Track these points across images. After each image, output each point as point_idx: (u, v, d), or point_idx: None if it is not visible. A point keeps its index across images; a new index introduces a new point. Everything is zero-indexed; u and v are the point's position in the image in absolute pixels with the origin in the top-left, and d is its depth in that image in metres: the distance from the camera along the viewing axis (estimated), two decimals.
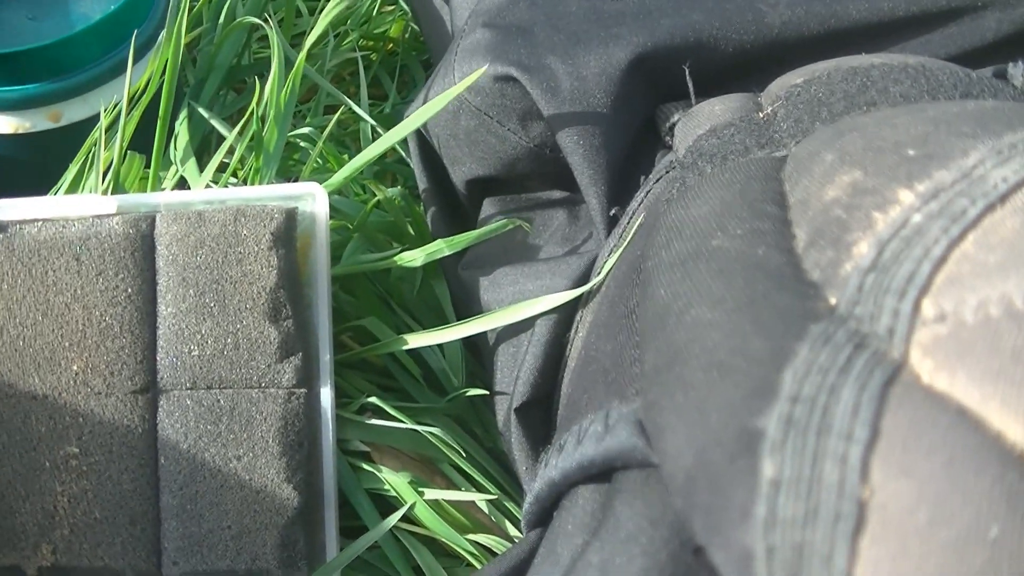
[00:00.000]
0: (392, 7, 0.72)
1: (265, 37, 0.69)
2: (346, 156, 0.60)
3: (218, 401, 0.47)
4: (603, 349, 0.38)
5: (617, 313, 0.38)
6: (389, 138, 0.50)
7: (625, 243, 0.43)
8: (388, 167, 0.63)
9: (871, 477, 0.23)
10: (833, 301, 0.28)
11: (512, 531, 0.49)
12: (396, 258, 0.50)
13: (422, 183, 0.54)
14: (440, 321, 0.53)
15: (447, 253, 0.49)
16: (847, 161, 0.32)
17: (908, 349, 0.25)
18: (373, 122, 0.60)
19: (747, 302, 0.28)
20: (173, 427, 0.47)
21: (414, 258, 0.49)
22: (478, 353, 0.52)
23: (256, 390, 0.47)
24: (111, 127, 0.53)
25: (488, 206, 0.53)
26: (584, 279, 0.46)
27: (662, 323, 0.30)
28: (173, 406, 0.47)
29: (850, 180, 0.31)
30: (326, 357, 0.49)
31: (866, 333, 0.26)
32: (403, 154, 0.61)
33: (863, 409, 0.24)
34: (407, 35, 0.72)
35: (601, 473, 0.33)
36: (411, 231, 0.55)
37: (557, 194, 0.51)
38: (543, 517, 0.37)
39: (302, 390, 0.47)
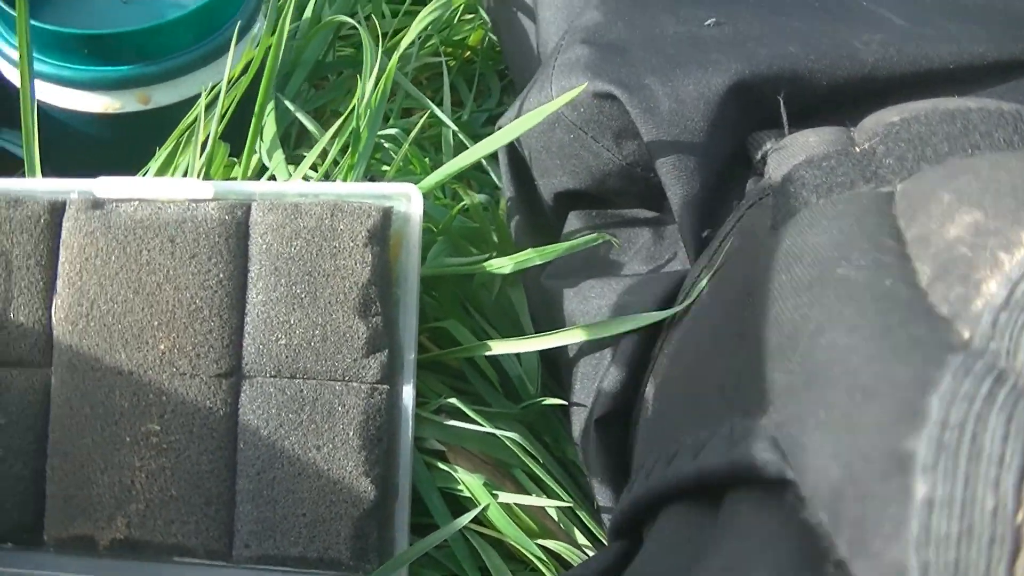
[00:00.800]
0: (472, 15, 0.73)
1: (345, 36, 0.70)
2: (427, 159, 0.61)
3: (301, 391, 0.48)
4: (715, 366, 0.38)
5: (725, 333, 0.39)
6: (485, 146, 0.51)
7: (716, 266, 0.44)
8: (465, 173, 0.64)
9: None
10: (966, 335, 0.28)
11: (581, 539, 0.49)
12: (485, 264, 0.51)
13: (509, 192, 0.54)
14: (513, 327, 0.54)
15: (537, 263, 0.50)
16: (965, 201, 0.33)
17: None
18: (455, 128, 0.61)
19: (882, 330, 0.29)
20: (254, 412, 0.48)
21: (503, 265, 0.50)
22: (551, 361, 0.53)
23: (340, 383, 0.48)
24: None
25: (574, 219, 0.54)
26: (671, 298, 0.47)
27: (793, 345, 0.31)
28: (256, 392, 0.48)
29: (971, 220, 0.32)
30: (410, 356, 0.49)
31: (1003, 368, 0.27)
32: (482, 161, 0.62)
33: (1012, 437, 0.25)
34: (484, 44, 0.73)
35: (710, 488, 0.33)
36: (494, 238, 0.56)
37: (643, 213, 0.52)
38: (634, 527, 0.38)
39: (385, 386, 0.48)
